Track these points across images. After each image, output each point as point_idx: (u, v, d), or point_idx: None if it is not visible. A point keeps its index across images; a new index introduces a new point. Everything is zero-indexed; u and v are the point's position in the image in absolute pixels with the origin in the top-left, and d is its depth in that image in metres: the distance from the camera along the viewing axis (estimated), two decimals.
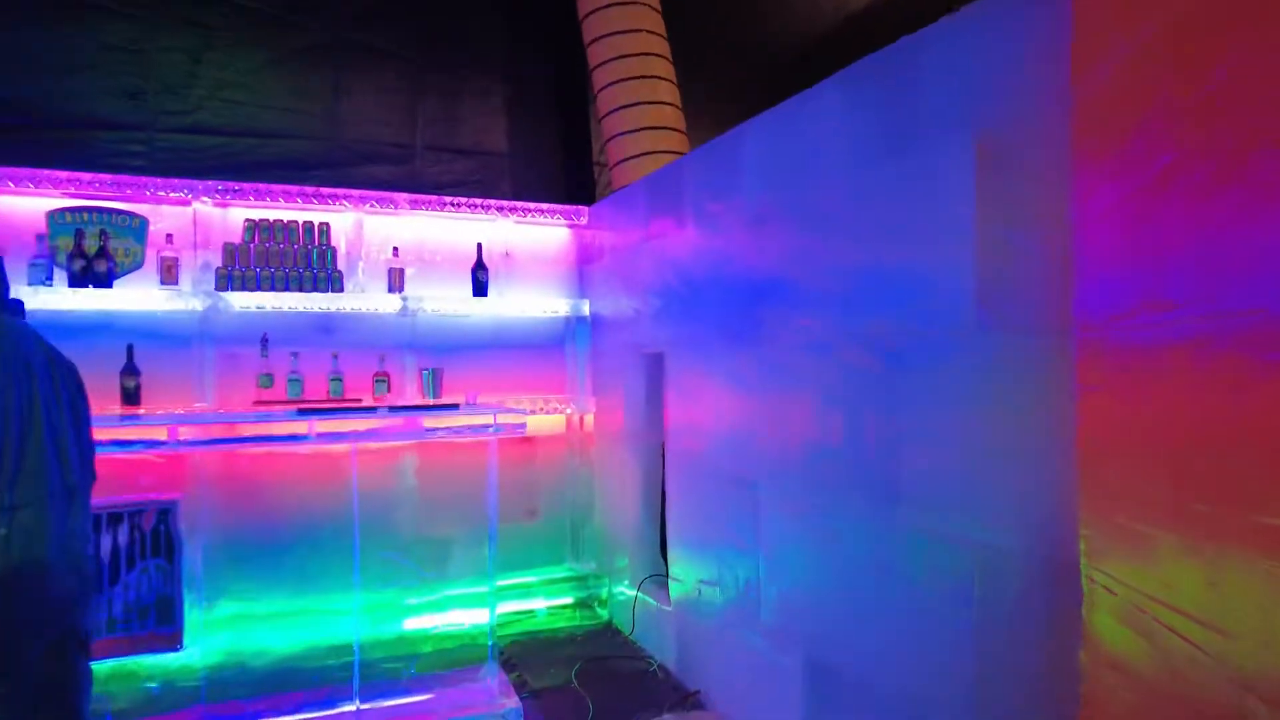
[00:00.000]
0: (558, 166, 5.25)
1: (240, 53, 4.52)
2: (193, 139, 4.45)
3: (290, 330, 4.29)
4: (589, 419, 4.72)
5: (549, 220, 4.70)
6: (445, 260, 4.61)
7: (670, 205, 3.70)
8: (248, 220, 4.19)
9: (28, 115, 4.11)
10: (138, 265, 4.12)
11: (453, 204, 4.49)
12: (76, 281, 3.90)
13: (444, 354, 4.55)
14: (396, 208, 4.40)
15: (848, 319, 2.45)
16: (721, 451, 3.23)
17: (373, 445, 2.84)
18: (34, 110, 4.12)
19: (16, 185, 3.82)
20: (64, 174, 3.86)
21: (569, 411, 4.65)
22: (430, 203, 4.45)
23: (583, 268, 4.84)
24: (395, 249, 4.43)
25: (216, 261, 4.13)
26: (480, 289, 4.56)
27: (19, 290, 3.75)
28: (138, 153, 4.31)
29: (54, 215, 4.02)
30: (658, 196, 3.87)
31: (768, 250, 2.90)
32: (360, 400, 4.19)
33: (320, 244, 4.31)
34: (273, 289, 4.15)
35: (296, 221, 4.26)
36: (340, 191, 4.28)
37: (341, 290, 4.29)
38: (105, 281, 3.96)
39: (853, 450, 2.40)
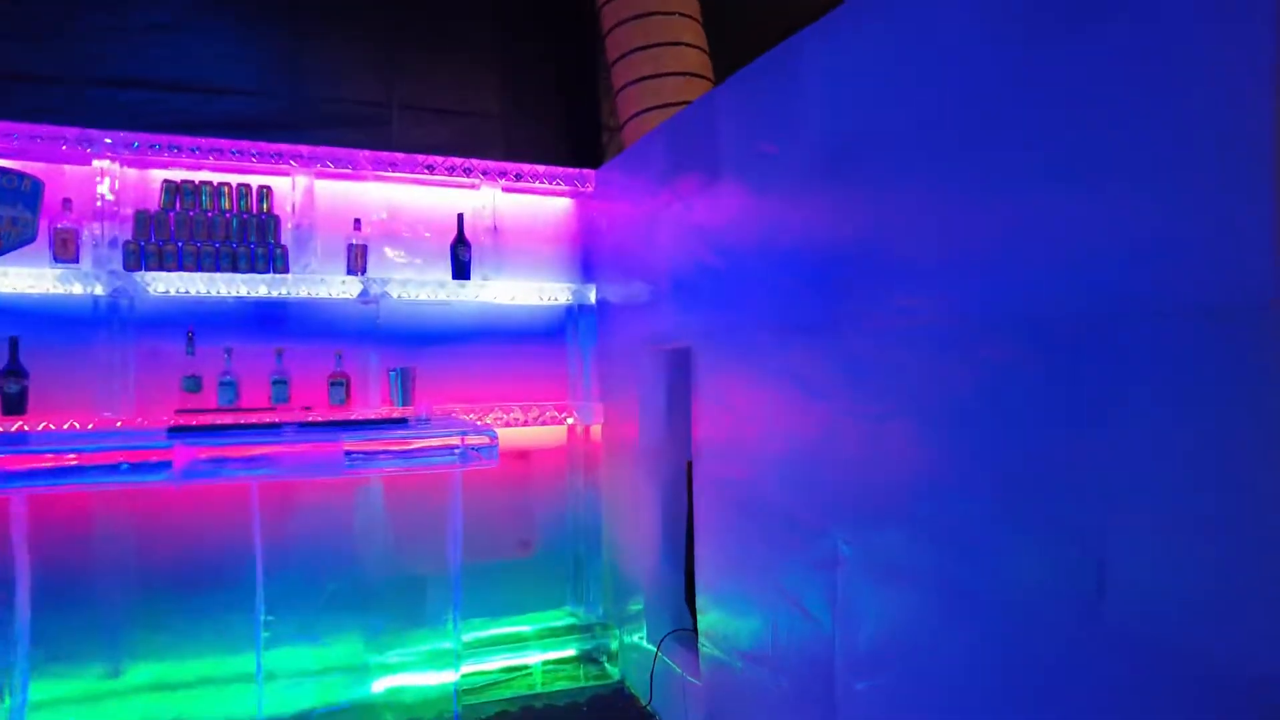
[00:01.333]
0: (558, 128, 4.39)
1: None
2: (117, 93, 3.61)
3: (223, 321, 3.45)
4: (595, 430, 3.86)
5: (547, 186, 3.84)
6: (418, 236, 3.76)
7: (699, 154, 2.83)
8: (166, 182, 3.35)
9: None
10: (29, 239, 3.28)
11: (427, 165, 3.64)
12: None
13: (417, 350, 3.71)
14: (357, 169, 3.55)
15: (990, 296, 1.59)
16: (774, 481, 2.36)
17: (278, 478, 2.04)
18: None
19: None
20: None
21: (570, 421, 3.79)
22: (400, 162, 3.60)
23: (588, 245, 3.98)
24: (357, 221, 3.59)
25: (127, 235, 3.29)
26: (462, 270, 3.71)
27: None
28: (51, 109, 3.45)
29: None
30: (683, 145, 3.00)
31: (848, 201, 2.03)
32: (278, 410, 3.34)
33: (260, 213, 3.46)
34: (199, 268, 3.30)
35: (229, 184, 3.42)
36: (285, 148, 3.43)
37: (286, 271, 3.44)
38: None
39: (1008, 497, 1.53)
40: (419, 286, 3.56)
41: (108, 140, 3.20)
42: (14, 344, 3.17)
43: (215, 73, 3.78)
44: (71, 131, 3.17)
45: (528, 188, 3.83)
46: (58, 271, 3.14)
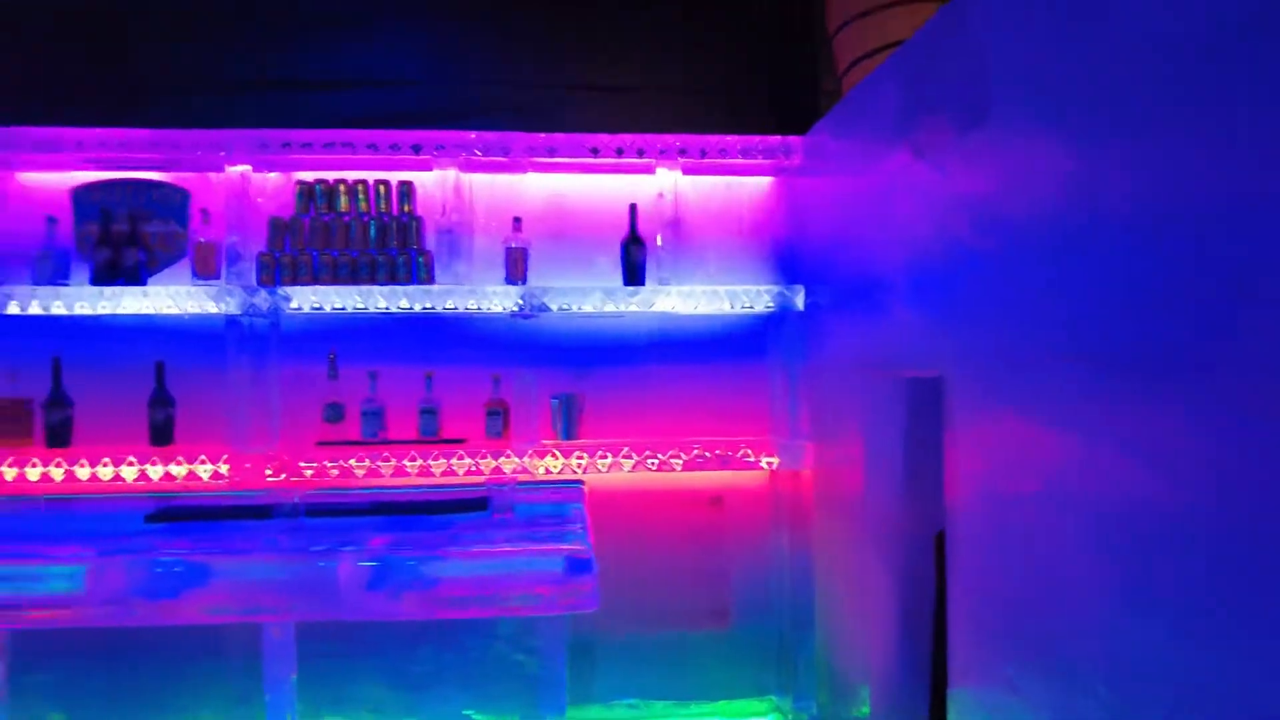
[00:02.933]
0: (755, 96, 3.44)
1: None
2: (255, 95, 3.16)
3: (368, 339, 3.01)
4: (805, 473, 2.99)
5: (740, 162, 3.03)
6: (585, 234, 3.11)
7: (951, 86, 1.89)
8: (299, 183, 2.95)
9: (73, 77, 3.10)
10: (181, 254, 3.04)
11: (592, 147, 2.96)
12: (102, 278, 2.87)
13: (585, 372, 3.06)
14: (512, 155, 2.96)
15: None
16: (1089, 622, 1.38)
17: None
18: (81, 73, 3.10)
19: (34, 150, 2.85)
20: (76, 132, 2.83)
21: (772, 463, 2.95)
22: (560, 145, 2.96)
23: (793, 235, 3.12)
24: (516, 220, 3.00)
25: (262, 245, 2.93)
26: (635, 273, 3.00)
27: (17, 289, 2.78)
28: (190, 115, 3.15)
29: (78, 192, 3.04)
30: (924, 77, 2.06)
31: (1250, 134, 1.02)
32: (426, 445, 2.79)
33: (401, 214, 2.97)
34: (335, 280, 2.87)
35: (365, 182, 2.96)
36: (425, 135, 2.91)
37: (431, 281, 2.93)
38: (137, 277, 2.90)
39: None
40: (583, 296, 2.90)
41: (237, 141, 2.85)
42: (160, 370, 2.93)
43: (361, 66, 3.24)
44: (204, 135, 2.85)
45: (715, 165, 3.04)
46: (199, 290, 2.84)
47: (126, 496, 1.93)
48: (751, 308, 2.98)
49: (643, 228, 3.02)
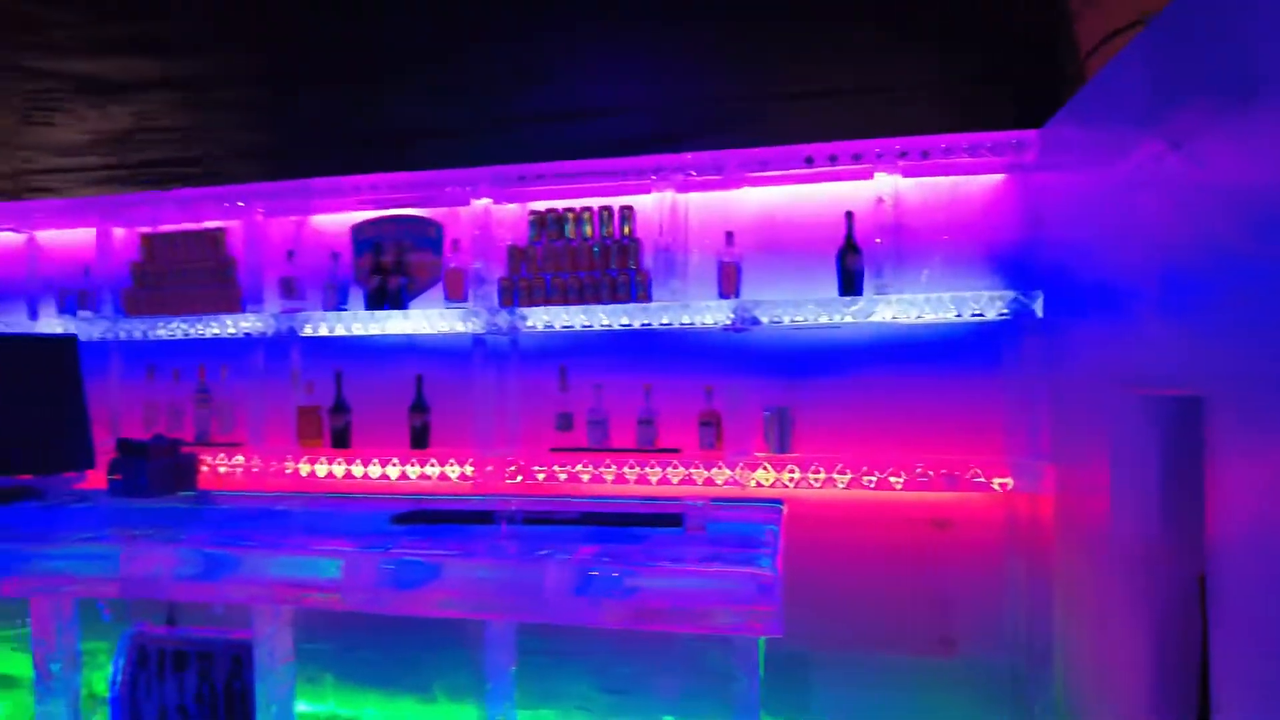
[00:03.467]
0: (982, 88, 3.18)
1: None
2: (491, 133, 3.45)
3: (592, 353, 3.21)
4: (1046, 500, 2.73)
5: (967, 160, 2.84)
6: (799, 247, 3.08)
7: (1213, 63, 1.65)
8: (532, 213, 3.22)
9: (342, 129, 3.64)
10: (435, 280, 3.43)
11: (806, 157, 2.93)
12: (373, 302, 3.33)
13: (798, 383, 3.03)
14: (725, 173, 3.01)
15: None
16: None
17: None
18: (349, 124, 3.63)
19: (322, 197, 3.38)
20: (353, 179, 3.31)
21: (1006, 485, 2.73)
22: (772, 159, 2.96)
23: (1029, 237, 2.86)
24: (729, 235, 3.05)
25: (502, 270, 3.23)
26: (851, 283, 2.92)
27: (313, 314, 3.30)
28: (443, 155, 3.52)
29: (356, 229, 3.54)
30: (1178, 55, 1.82)
31: None
32: (644, 454, 2.90)
33: (622, 237, 3.14)
34: (564, 301, 3.09)
35: (591, 208, 3.16)
36: (645, 161, 3.05)
37: (648, 299, 3.06)
38: (399, 301, 3.33)
39: None
40: (797, 308, 2.88)
41: (480, 178, 3.17)
42: (419, 382, 3.32)
43: (582, 99, 3.38)
44: (453, 174, 3.20)
45: (939, 165, 2.88)
46: (450, 311, 3.19)
47: (380, 497, 2.24)
48: (981, 315, 2.78)
49: (859, 235, 2.94)
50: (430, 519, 1.62)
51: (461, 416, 3.24)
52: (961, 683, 2.83)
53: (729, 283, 3.04)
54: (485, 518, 1.55)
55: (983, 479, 2.71)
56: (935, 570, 2.84)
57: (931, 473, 2.73)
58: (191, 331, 3.43)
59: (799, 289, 3.02)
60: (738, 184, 3.08)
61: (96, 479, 2.02)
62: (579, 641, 1.54)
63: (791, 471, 2.83)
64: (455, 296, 3.27)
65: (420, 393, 3.31)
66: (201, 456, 3.34)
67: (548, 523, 1.54)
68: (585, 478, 2.98)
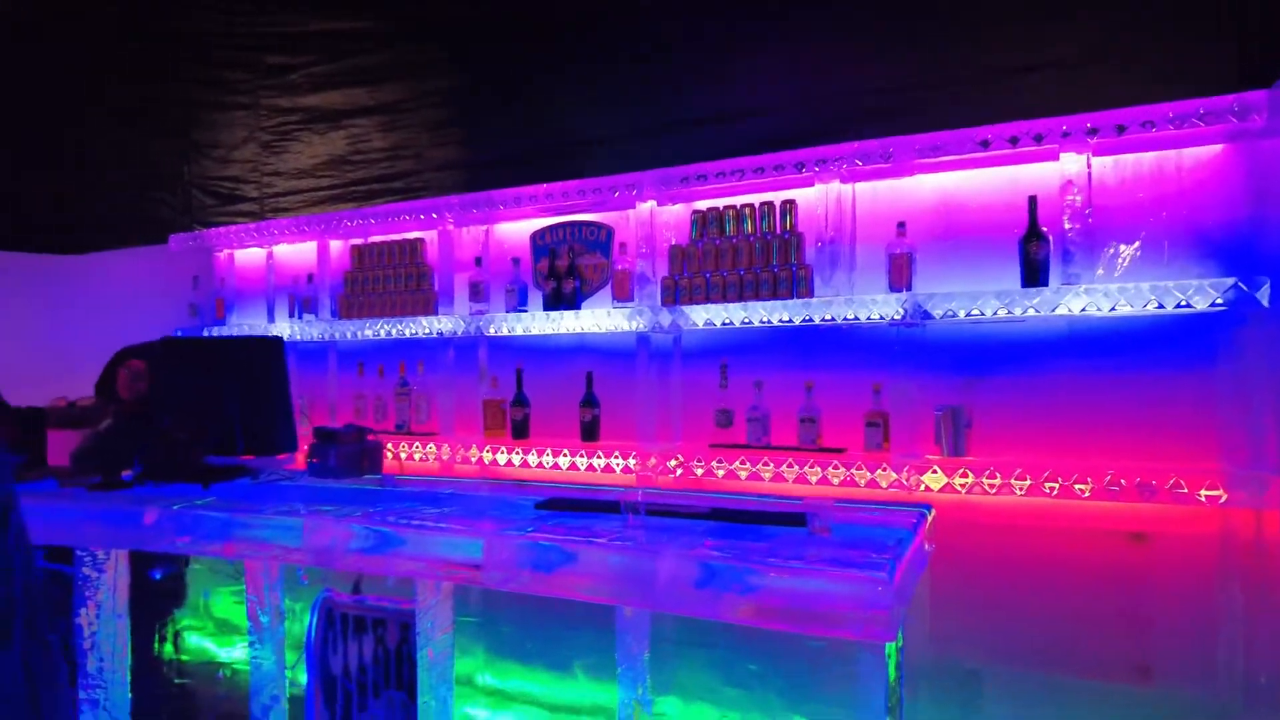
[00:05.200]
0: (1191, 49, 2.78)
1: None
2: (657, 139, 3.47)
3: (752, 350, 3.20)
4: (1272, 514, 2.37)
5: (1174, 131, 2.52)
6: (975, 235, 2.88)
7: None
8: (694, 213, 3.25)
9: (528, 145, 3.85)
10: (605, 282, 3.57)
11: (981, 140, 2.73)
12: (549, 304, 3.53)
13: (974, 382, 2.84)
14: (894, 161, 2.88)
15: None
16: None
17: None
18: (527, 137, 3.85)
19: (504, 207, 3.62)
20: (530, 189, 3.52)
21: (1217, 497, 2.40)
22: (946, 143, 2.79)
23: (1256, 215, 2.49)
24: (900, 225, 2.92)
25: (664, 270, 3.29)
26: (1034, 273, 2.69)
27: (497, 315, 3.55)
28: (611, 161, 3.62)
29: (535, 236, 3.76)
30: None
31: None
32: (806, 452, 2.82)
33: (783, 232, 3.09)
34: (724, 298, 3.10)
35: (752, 205, 3.14)
36: (806, 153, 2.98)
37: (810, 294, 2.99)
38: (573, 302, 3.50)
39: None
40: (973, 300, 2.70)
41: (645, 181, 3.25)
42: (589, 378, 3.47)
43: (742, 98, 3.29)
44: (620, 178, 3.31)
45: (1138, 140, 2.58)
46: (617, 310, 3.30)
47: (539, 484, 2.39)
48: (1192, 305, 2.46)
49: (1044, 221, 2.70)
50: (568, 506, 1.70)
51: (627, 411, 3.35)
52: (1157, 717, 2.52)
53: (900, 275, 2.91)
54: (611, 507, 1.61)
55: (1185, 490, 2.39)
56: (1129, 589, 2.55)
57: (1124, 482, 2.45)
58: (393, 332, 3.80)
59: (976, 280, 2.83)
60: (909, 171, 2.94)
61: (302, 462, 2.32)
62: (705, 633, 1.56)
63: (965, 475, 2.65)
64: (622, 296, 3.38)
65: (590, 389, 3.45)
66: (400, 444, 3.70)
67: (674, 515, 1.56)
68: (743, 474, 2.97)
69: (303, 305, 4.18)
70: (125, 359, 2.56)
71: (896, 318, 2.80)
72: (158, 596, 2.17)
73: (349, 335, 3.94)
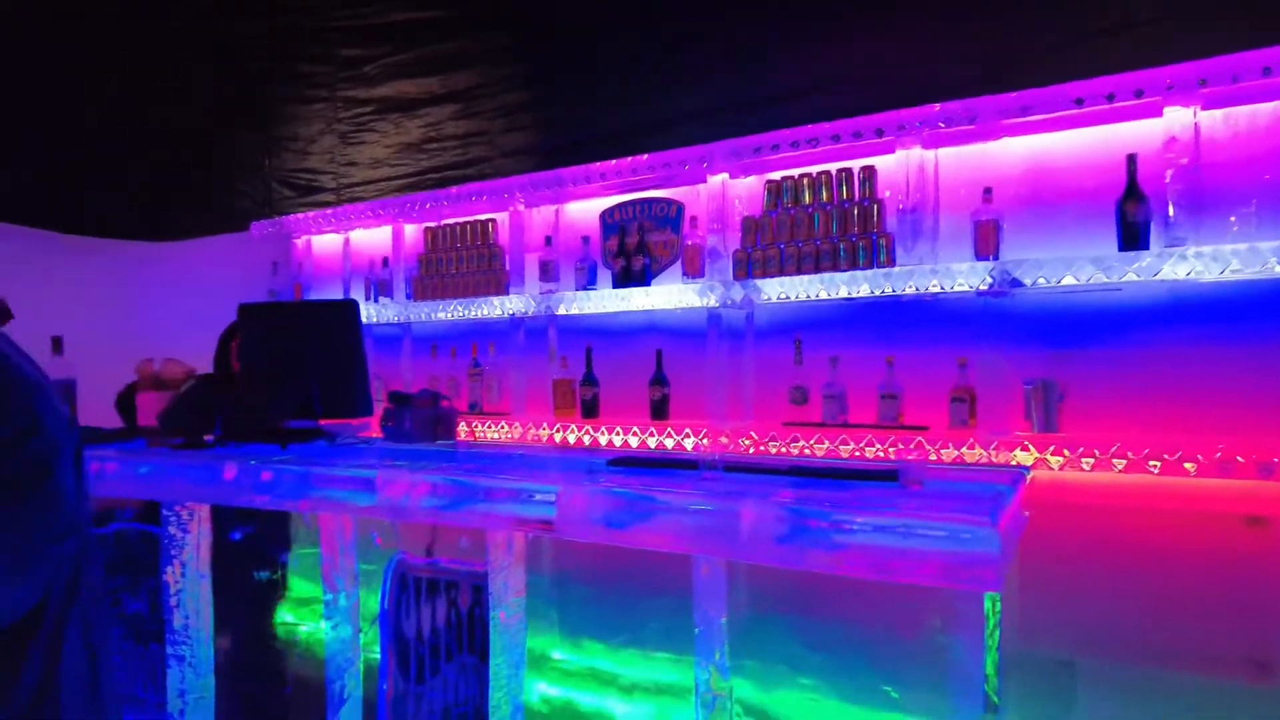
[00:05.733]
0: None
1: None
2: (723, 114, 3.38)
3: (829, 324, 3.10)
4: None
5: None
6: (1066, 199, 2.72)
7: None
8: (768, 182, 3.17)
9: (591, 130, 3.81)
10: (675, 258, 3.51)
11: (1076, 98, 2.58)
12: (619, 282, 3.50)
13: (1065, 355, 2.69)
14: (980, 122, 2.74)
15: None
16: None
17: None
18: (597, 117, 3.81)
19: (574, 184, 3.61)
20: (599, 165, 3.49)
21: None
22: (1036, 102, 2.64)
23: None
24: (986, 191, 2.78)
25: (736, 244, 3.22)
26: (1133, 236, 2.53)
27: (566, 294, 3.53)
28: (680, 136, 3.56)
29: (605, 215, 3.73)
30: None
31: None
32: (886, 430, 2.70)
33: (862, 199, 2.98)
34: (799, 270, 3.01)
35: (829, 172, 3.04)
36: (885, 117, 2.87)
37: (891, 264, 2.88)
38: (642, 279, 3.45)
39: None
40: (1066, 267, 2.55)
41: (716, 153, 3.18)
42: (659, 356, 3.42)
43: (818, 69, 3.18)
44: (691, 151, 3.25)
45: (1256, 89, 2.39)
46: (689, 287, 3.24)
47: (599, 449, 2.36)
48: None
49: (1145, 182, 2.53)
50: (640, 464, 1.65)
51: (697, 391, 3.29)
52: (1277, 717, 2.33)
53: (987, 243, 2.77)
54: (689, 465, 1.55)
55: None
56: (1244, 576, 2.36)
57: (1240, 459, 2.27)
58: (466, 313, 3.83)
59: (1069, 247, 2.67)
60: (995, 134, 2.80)
61: (377, 429, 2.33)
62: (785, 600, 1.48)
63: (1056, 453, 2.50)
64: (693, 272, 3.32)
65: (660, 367, 3.40)
66: (473, 423, 3.72)
67: (754, 472, 1.50)
68: (820, 452, 2.88)
69: (378, 288, 4.25)
70: (235, 333, 2.65)
71: (983, 287, 2.67)
72: (239, 557, 2.21)
73: (423, 316, 3.98)
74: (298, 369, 2.06)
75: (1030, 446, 2.56)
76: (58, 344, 2.53)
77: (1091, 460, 2.45)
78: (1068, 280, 2.54)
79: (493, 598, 1.77)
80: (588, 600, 1.91)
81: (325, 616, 2.01)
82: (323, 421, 2.20)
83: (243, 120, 5.14)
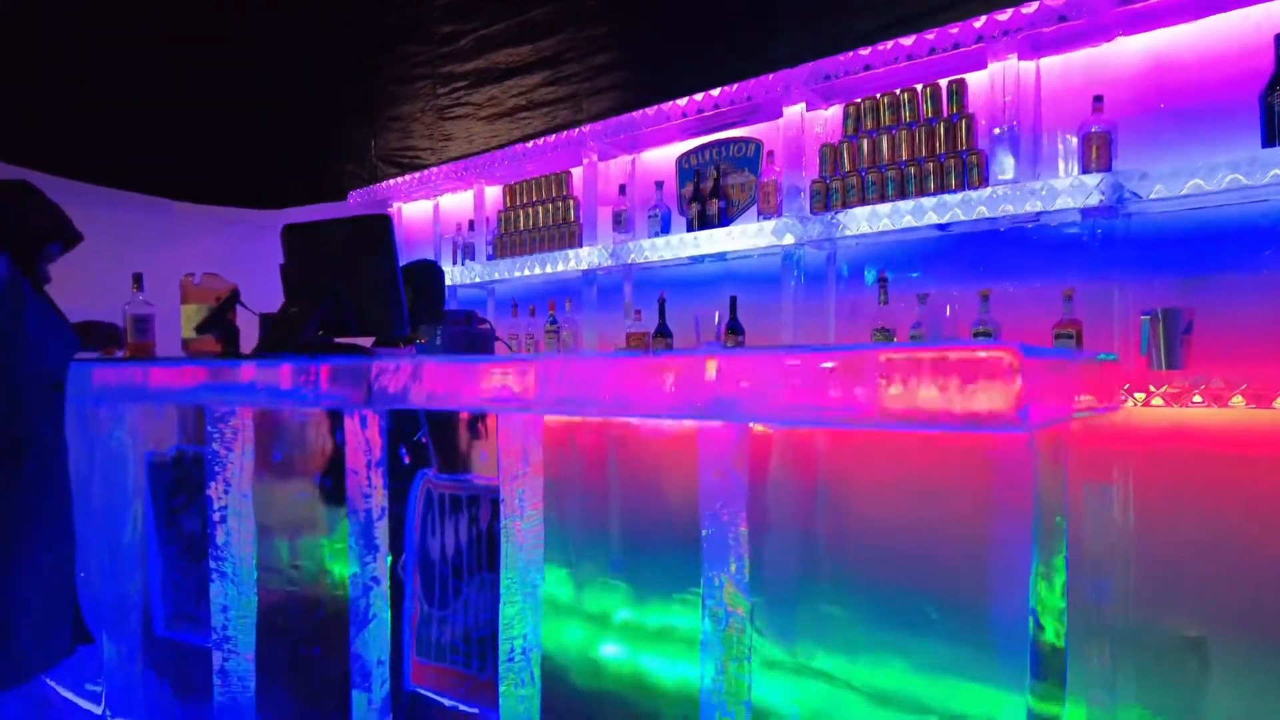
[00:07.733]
0: None
1: None
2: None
3: (919, 257, 2.82)
4: None
5: None
6: (1192, 102, 2.34)
7: None
8: (847, 106, 2.91)
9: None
10: (753, 200, 3.31)
11: None
12: (694, 227, 3.34)
13: (1192, 282, 2.30)
14: (1094, 17, 2.40)
15: None
16: None
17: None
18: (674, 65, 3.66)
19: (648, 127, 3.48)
20: (672, 106, 3.33)
21: None
22: None
23: None
24: (1096, 99, 2.44)
25: (814, 175, 2.98)
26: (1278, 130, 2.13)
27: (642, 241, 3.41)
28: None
29: (681, 160, 3.58)
30: None
31: None
32: None
33: (951, 114, 2.68)
34: (882, 198, 2.75)
35: (914, 89, 2.75)
36: (976, 25, 2.56)
37: (984, 184, 2.57)
38: (718, 222, 3.28)
39: None
40: (1193, 174, 2.17)
41: (794, 79, 2.96)
42: (733, 303, 3.23)
43: None
44: (765, 80, 3.04)
45: None
46: (764, 226, 3.03)
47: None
48: None
49: None
50: None
51: (774, 339, 3.07)
52: None
53: (1099, 155, 2.42)
54: None
55: None
56: None
57: None
58: (542, 269, 3.76)
59: (1194, 154, 2.29)
60: (1106, 35, 2.45)
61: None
62: (809, 543, 1.27)
63: (1184, 394, 2.13)
64: (769, 211, 3.11)
65: (734, 314, 3.20)
66: None
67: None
68: None
69: (463, 251, 4.27)
70: None
71: (1095, 204, 2.33)
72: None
73: (502, 275, 3.95)
74: (329, 285, 2.03)
75: (1153, 387, 2.19)
76: (138, 280, 2.64)
77: (1236, 403, 2.06)
78: (1195, 185, 2.16)
79: (504, 505, 1.65)
80: (608, 548, 1.76)
81: (349, 531, 1.95)
82: (362, 340, 2.17)
83: (350, 102, 5.30)
